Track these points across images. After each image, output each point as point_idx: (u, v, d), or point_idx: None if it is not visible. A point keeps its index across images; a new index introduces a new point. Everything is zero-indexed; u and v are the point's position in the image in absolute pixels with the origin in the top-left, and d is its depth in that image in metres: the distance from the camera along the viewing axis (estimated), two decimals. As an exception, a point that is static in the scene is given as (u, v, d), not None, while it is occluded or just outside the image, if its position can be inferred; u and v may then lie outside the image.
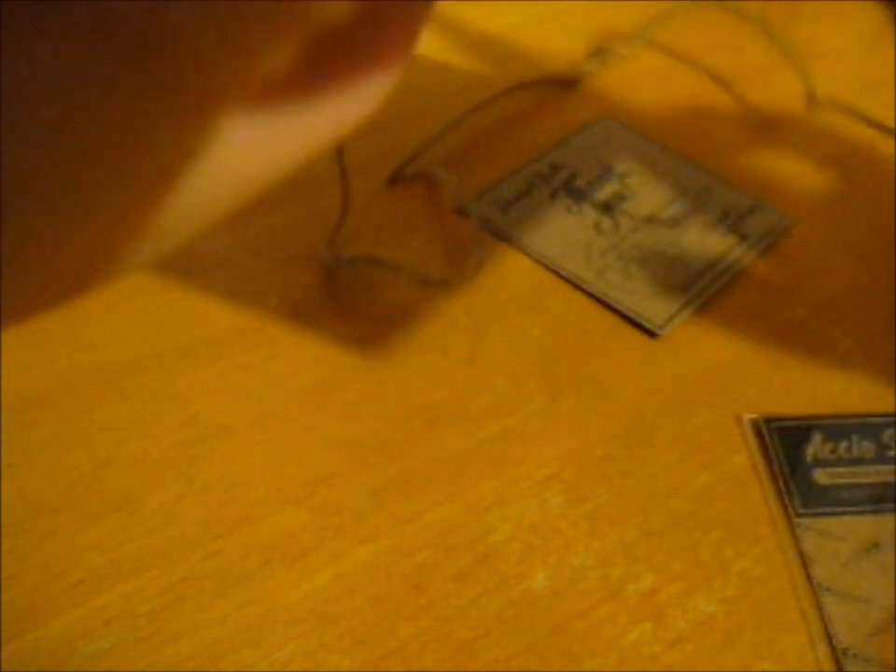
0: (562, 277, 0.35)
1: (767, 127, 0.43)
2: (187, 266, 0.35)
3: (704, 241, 0.37)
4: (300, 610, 0.27)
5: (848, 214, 0.39)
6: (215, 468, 0.29)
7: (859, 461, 0.31)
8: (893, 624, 0.27)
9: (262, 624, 0.26)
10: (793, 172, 0.41)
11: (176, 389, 0.31)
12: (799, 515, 0.30)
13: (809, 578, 0.28)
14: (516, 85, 0.42)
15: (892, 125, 0.43)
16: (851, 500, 0.30)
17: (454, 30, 0.45)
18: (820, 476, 0.31)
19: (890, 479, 0.31)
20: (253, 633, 0.26)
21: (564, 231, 0.37)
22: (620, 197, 0.38)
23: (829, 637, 0.27)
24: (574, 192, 0.38)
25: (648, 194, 0.39)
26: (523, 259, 0.36)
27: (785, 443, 0.31)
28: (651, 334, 0.34)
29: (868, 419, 0.32)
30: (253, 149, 0.16)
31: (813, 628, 0.27)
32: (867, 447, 0.31)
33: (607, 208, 0.38)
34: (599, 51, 0.45)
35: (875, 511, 0.30)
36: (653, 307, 0.35)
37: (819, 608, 0.28)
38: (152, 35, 0.13)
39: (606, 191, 0.38)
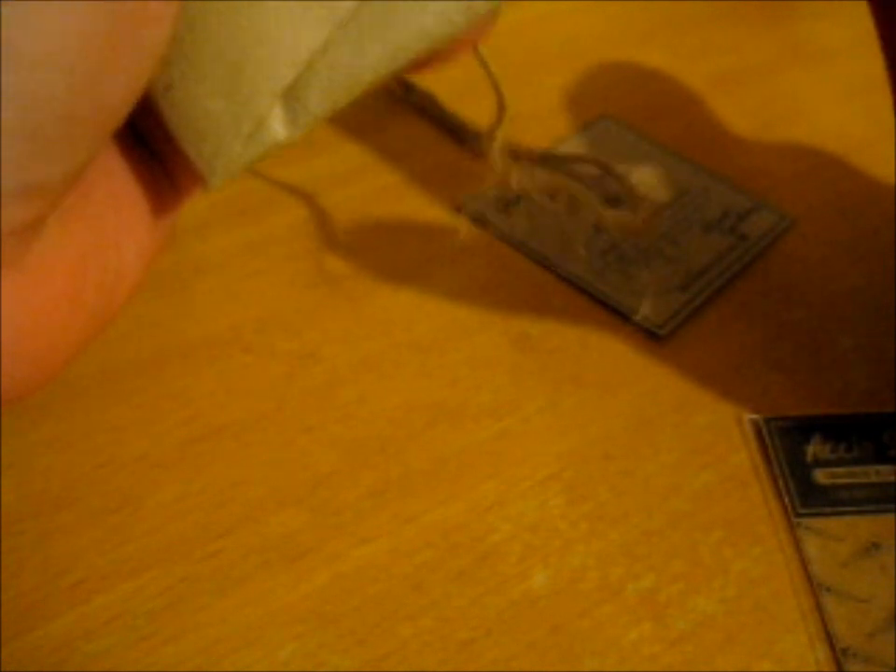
0: (562, 277, 0.35)
1: (767, 127, 0.43)
2: (186, 266, 0.35)
3: (704, 241, 0.37)
4: (300, 610, 0.27)
5: (848, 214, 0.39)
6: (215, 468, 0.29)
7: (859, 461, 0.31)
8: (893, 624, 0.27)
9: (262, 624, 0.26)
10: (793, 172, 0.41)
11: (176, 389, 0.31)
12: (799, 515, 0.30)
13: (809, 578, 0.28)
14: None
15: (892, 125, 0.43)
16: (851, 500, 0.30)
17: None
18: (820, 476, 0.31)
19: (890, 479, 0.31)
20: (253, 633, 0.26)
21: (564, 230, 0.37)
22: (620, 197, 0.38)
23: (829, 637, 0.27)
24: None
25: (648, 194, 0.39)
26: (523, 259, 0.36)
27: (785, 443, 0.31)
28: (651, 334, 0.34)
29: (868, 419, 0.32)
30: None
31: (813, 628, 0.27)
32: (867, 447, 0.31)
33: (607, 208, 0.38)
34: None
35: (875, 511, 0.30)
36: (653, 307, 0.35)
37: (819, 608, 0.28)
38: None
39: (606, 191, 0.38)
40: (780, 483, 0.30)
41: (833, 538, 0.29)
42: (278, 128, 0.27)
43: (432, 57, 0.27)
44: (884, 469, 0.31)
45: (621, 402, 0.32)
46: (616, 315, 0.34)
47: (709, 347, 0.34)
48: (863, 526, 0.29)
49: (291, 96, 0.26)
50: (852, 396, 0.33)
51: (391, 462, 0.30)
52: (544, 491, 0.30)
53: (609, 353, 0.33)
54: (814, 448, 0.31)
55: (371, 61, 0.27)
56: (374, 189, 0.38)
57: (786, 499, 0.30)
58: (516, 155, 0.31)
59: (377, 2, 0.26)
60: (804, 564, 0.28)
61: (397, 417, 0.31)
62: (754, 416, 0.32)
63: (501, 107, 0.31)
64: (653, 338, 0.34)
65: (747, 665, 0.27)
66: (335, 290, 0.34)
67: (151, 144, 0.25)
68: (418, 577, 0.28)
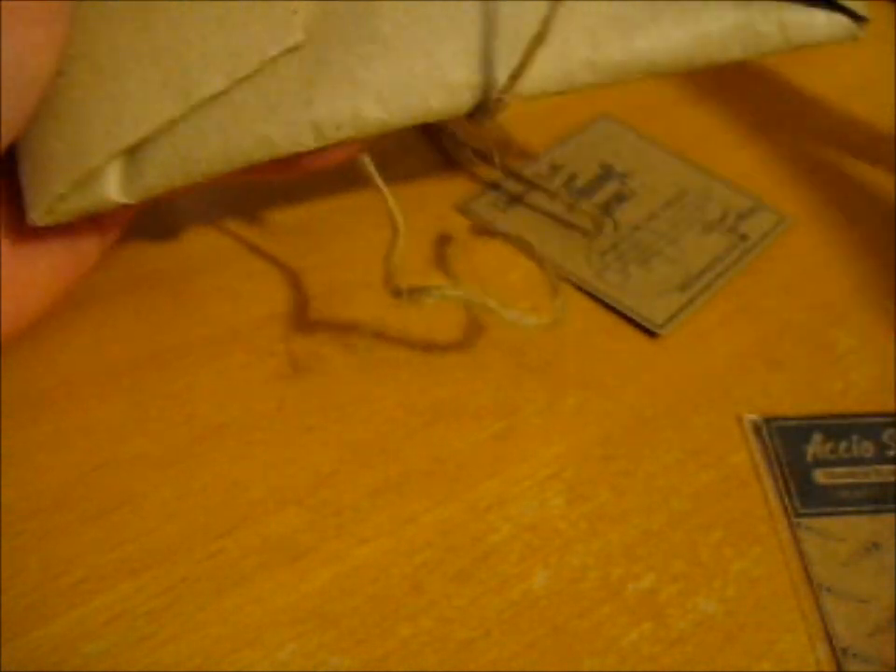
0: (562, 277, 0.35)
1: (767, 127, 0.43)
2: (187, 265, 0.35)
3: (704, 241, 0.37)
4: (300, 610, 0.27)
5: (848, 214, 0.39)
6: (215, 468, 0.29)
7: (859, 461, 0.31)
8: (893, 624, 0.27)
9: (262, 624, 0.26)
10: (793, 172, 0.41)
11: (176, 389, 0.31)
12: (799, 515, 0.30)
13: (809, 578, 0.28)
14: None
15: (892, 124, 0.43)
16: (851, 500, 0.30)
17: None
18: (820, 476, 0.31)
19: (890, 479, 0.31)
20: (253, 633, 0.26)
21: (564, 231, 0.37)
22: (620, 197, 0.38)
23: (829, 637, 0.27)
24: (574, 192, 0.38)
25: (648, 194, 0.39)
26: (523, 260, 0.36)
27: (785, 443, 0.31)
28: (651, 334, 0.34)
29: (868, 419, 0.32)
30: None
31: (813, 628, 0.27)
32: (867, 447, 0.31)
33: (607, 208, 0.38)
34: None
35: (875, 511, 0.30)
36: (653, 307, 0.35)
37: (819, 608, 0.28)
38: None
39: (606, 191, 0.38)
40: (780, 483, 0.30)
41: (833, 538, 0.29)
42: (111, 187, 0.27)
43: (289, 162, 0.28)
44: (884, 468, 0.31)
45: (621, 402, 0.32)
46: (616, 314, 0.34)
47: (709, 347, 0.34)
48: (863, 526, 0.29)
49: (131, 163, 0.27)
50: (852, 396, 0.33)
51: (391, 462, 0.30)
52: (544, 491, 0.30)
53: (609, 353, 0.33)
54: (814, 448, 0.31)
55: (209, 152, 0.27)
56: (374, 189, 0.38)
57: (786, 499, 0.30)
58: (398, 291, 0.29)
59: (231, 98, 0.27)
60: (804, 564, 0.28)
61: (397, 417, 0.31)
62: (754, 416, 0.32)
63: (396, 230, 0.29)
64: (653, 338, 0.34)
65: (747, 665, 0.27)
66: (335, 290, 0.34)
67: None
68: (418, 577, 0.28)
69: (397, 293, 0.29)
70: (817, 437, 0.31)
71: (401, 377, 0.32)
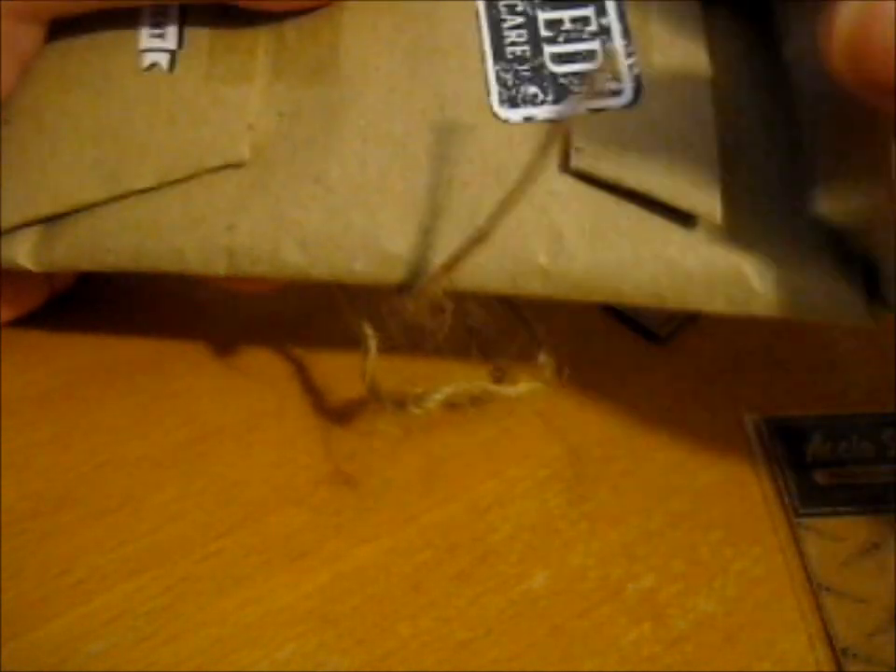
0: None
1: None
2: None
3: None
4: (300, 610, 0.27)
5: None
6: (215, 468, 0.29)
7: (859, 461, 0.31)
8: (893, 624, 0.27)
9: (262, 624, 0.26)
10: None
11: (176, 389, 0.31)
12: (799, 515, 0.30)
13: (809, 578, 0.28)
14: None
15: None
16: (851, 500, 0.30)
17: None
18: (820, 476, 0.31)
19: (890, 479, 0.31)
20: (253, 633, 0.26)
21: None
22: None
23: (829, 637, 0.27)
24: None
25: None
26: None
27: (785, 443, 0.31)
28: (651, 334, 0.34)
29: (868, 419, 0.32)
30: None
31: (813, 628, 0.27)
32: (867, 447, 0.31)
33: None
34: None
35: (875, 511, 0.30)
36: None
37: (819, 608, 0.28)
38: None
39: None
40: (780, 482, 0.30)
41: (833, 538, 0.29)
42: (20, 251, 0.27)
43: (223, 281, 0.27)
44: (884, 468, 0.31)
45: (621, 402, 0.32)
46: (616, 315, 0.34)
47: (709, 347, 0.34)
48: (863, 526, 0.29)
49: (47, 233, 0.26)
50: (852, 396, 0.33)
51: (391, 462, 0.30)
52: (544, 491, 0.30)
53: (609, 353, 0.33)
54: (814, 448, 0.31)
55: (121, 247, 0.26)
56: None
57: (786, 499, 0.30)
58: (402, 402, 0.28)
59: (158, 199, 0.25)
60: (804, 564, 0.28)
61: (396, 417, 0.31)
62: (754, 416, 0.32)
63: (366, 346, 0.28)
64: (653, 338, 0.34)
65: (747, 664, 0.27)
66: (335, 292, 0.34)
67: None
68: (418, 577, 0.28)
69: (400, 404, 0.27)
70: (817, 437, 0.31)
71: (401, 377, 0.32)
